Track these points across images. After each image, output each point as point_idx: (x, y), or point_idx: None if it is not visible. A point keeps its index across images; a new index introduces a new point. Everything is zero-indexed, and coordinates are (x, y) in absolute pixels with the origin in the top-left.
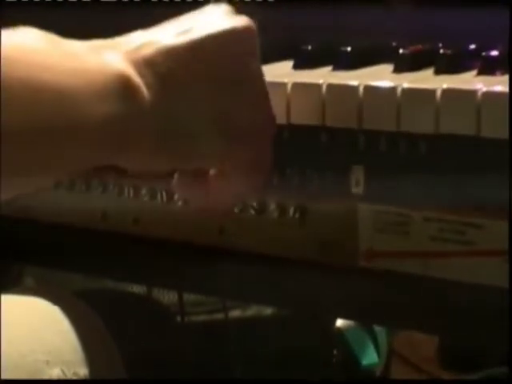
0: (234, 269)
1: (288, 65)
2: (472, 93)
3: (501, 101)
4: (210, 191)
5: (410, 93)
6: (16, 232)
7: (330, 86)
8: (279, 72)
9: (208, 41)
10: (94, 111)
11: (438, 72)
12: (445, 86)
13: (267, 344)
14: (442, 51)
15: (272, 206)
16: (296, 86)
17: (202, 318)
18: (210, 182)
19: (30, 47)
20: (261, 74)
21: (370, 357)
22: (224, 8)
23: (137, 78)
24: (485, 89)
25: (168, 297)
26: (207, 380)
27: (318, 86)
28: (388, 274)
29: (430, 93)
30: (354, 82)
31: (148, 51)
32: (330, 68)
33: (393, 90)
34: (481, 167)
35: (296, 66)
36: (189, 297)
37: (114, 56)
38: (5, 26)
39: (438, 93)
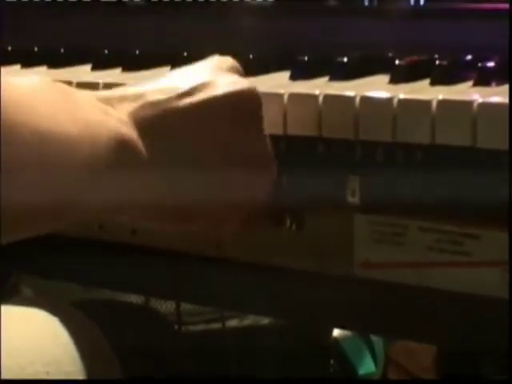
0: (232, 279)
1: (285, 75)
2: (468, 104)
3: (497, 112)
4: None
5: (406, 103)
6: (13, 242)
7: (327, 97)
8: (276, 83)
9: (211, 105)
10: (93, 165)
11: (433, 83)
12: (441, 96)
13: (264, 354)
14: (437, 62)
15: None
16: (292, 96)
17: (199, 327)
18: None
19: (43, 96)
20: (262, 140)
21: (367, 366)
22: (229, 63)
23: (138, 142)
24: (481, 100)
25: (165, 306)
26: (204, 379)
27: (314, 97)
28: (384, 284)
29: (426, 104)
30: (351, 93)
31: (152, 113)
32: (326, 78)
33: (389, 100)
34: (477, 178)
35: (293, 77)
36: (186, 306)
37: (118, 115)
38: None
39: (434, 104)
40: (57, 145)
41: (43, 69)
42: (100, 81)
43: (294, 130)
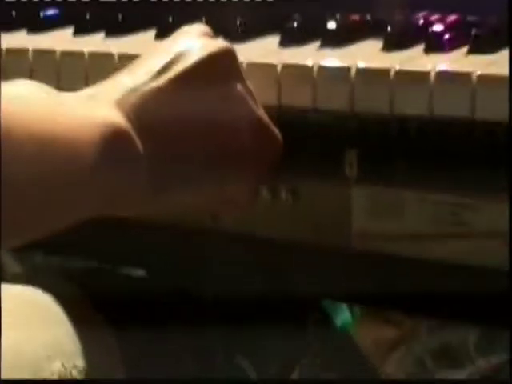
0: (226, 251)
1: (274, 41)
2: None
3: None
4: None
5: (402, 74)
6: None
7: (320, 68)
8: (267, 50)
9: (189, 74)
10: (91, 161)
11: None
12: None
13: (241, 306)
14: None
15: (264, 189)
16: (285, 67)
17: None
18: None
19: (32, 99)
20: (246, 96)
21: (343, 317)
22: (199, 29)
23: (128, 128)
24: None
25: None
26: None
27: (307, 68)
28: (382, 256)
29: (424, 75)
30: (345, 64)
31: (134, 99)
32: (317, 44)
33: (385, 71)
34: (476, 150)
35: (283, 43)
36: None
37: (104, 108)
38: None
39: (432, 75)
40: (56, 146)
41: (22, 34)
42: (85, 50)
43: (287, 100)
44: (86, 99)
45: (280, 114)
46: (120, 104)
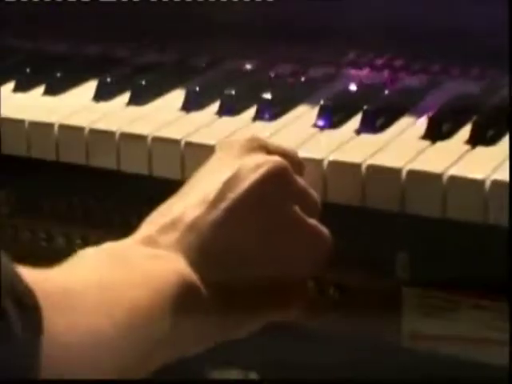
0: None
1: (306, 119)
2: None
3: None
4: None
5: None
6: None
7: (369, 167)
8: (306, 137)
9: (241, 202)
10: (166, 326)
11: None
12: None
13: None
14: None
15: (311, 284)
16: (333, 164)
17: None
18: None
19: (94, 270)
20: (298, 214)
21: None
22: (243, 142)
23: (194, 280)
24: None
25: None
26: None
27: (356, 167)
28: (431, 356)
29: (477, 183)
30: (395, 164)
31: (195, 237)
32: (354, 129)
33: (439, 176)
34: None
35: (318, 126)
36: None
37: (170, 260)
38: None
39: (487, 183)
40: (134, 324)
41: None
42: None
43: (335, 198)
44: (145, 243)
45: (328, 211)
46: (181, 245)
